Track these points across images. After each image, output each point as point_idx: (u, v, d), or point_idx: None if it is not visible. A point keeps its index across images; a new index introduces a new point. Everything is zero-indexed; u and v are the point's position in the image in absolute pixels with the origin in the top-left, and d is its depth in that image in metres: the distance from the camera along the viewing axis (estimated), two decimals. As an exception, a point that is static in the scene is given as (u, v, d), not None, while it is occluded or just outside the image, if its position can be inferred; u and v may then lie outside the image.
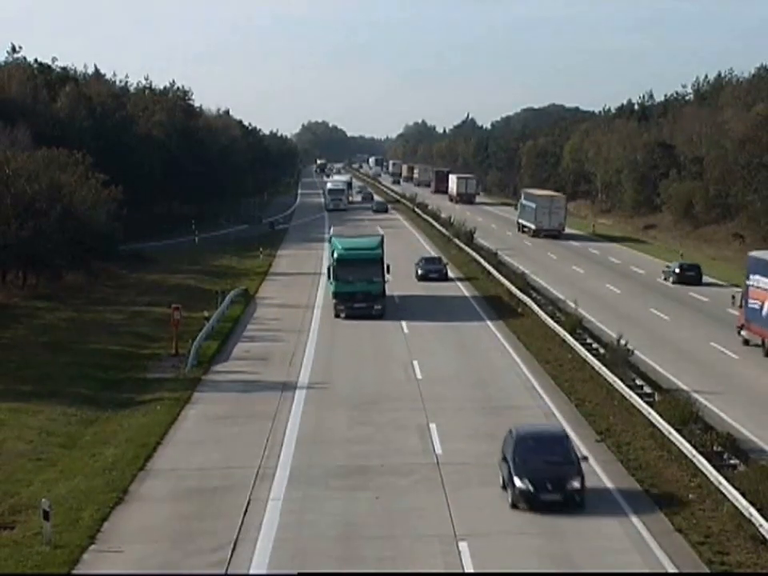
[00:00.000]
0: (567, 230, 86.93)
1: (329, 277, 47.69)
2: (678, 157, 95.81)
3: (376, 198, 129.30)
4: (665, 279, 60.69)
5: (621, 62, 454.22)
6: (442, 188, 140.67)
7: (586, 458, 23.91)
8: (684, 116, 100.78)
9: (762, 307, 39.38)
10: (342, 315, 46.66)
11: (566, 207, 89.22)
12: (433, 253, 69.49)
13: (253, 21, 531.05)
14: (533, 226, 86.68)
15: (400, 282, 55.03)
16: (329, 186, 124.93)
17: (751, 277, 41.01)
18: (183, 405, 32.33)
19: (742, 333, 41.71)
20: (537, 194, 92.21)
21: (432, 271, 59.41)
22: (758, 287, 40.11)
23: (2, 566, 19.93)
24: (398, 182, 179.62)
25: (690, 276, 59.07)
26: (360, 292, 46.50)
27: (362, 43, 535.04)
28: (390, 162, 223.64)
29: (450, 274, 60.70)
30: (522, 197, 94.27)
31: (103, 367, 37.50)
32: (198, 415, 31.34)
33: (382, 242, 49.56)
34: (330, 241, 50.73)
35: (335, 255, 47.44)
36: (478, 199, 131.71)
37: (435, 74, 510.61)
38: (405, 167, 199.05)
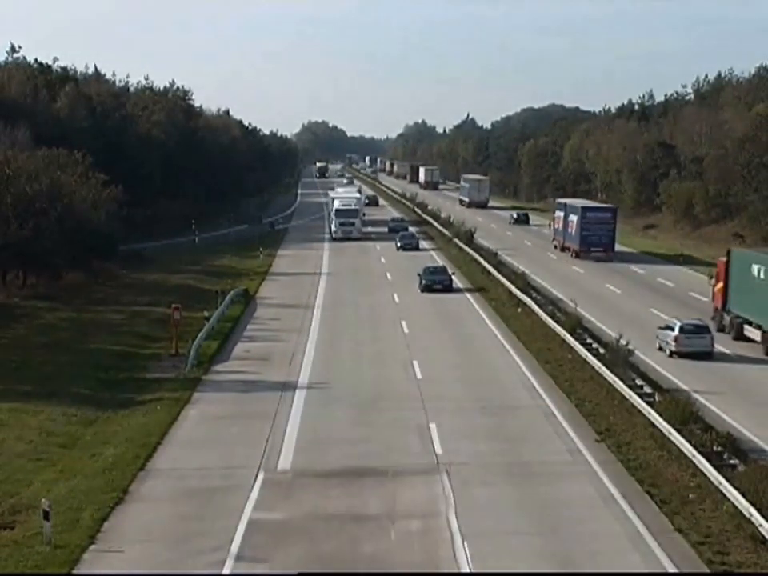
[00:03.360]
0: (494, 203, 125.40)
1: None
2: (678, 157, 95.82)
3: (437, 262, 66.39)
4: (509, 222, 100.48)
5: (621, 61, 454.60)
6: (415, 178, 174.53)
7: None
8: (684, 116, 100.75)
9: (556, 228, 78.40)
10: None
11: (490, 186, 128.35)
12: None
13: (253, 20, 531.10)
14: (467, 200, 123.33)
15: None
16: (336, 204, 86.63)
17: (555, 212, 79.37)
18: (183, 405, 32.34)
19: (553, 242, 78.58)
20: (470, 177, 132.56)
21: None
22: (555, 217, 79.21)
23: (2, 566, 19.94)
24: (375, 172, 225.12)
25: (522, 220, 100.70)
26: None
27: (362, 43, 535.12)
28: (378, 160, 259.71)
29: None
30: (461, 180, 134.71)
31: (103, 367, 37.51)
32: (198, 415, 31.34)
33: None
34: None
35: None
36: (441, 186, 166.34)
37: (435, 74, 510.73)
38: (388, 163, 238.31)
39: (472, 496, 23.71)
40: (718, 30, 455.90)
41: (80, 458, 27.02)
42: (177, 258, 71.67)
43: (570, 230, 73.37)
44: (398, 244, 76.01)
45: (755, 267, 40.75)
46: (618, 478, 24.89)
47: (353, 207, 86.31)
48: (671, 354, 38.74)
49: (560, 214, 76.91)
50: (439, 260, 68.97)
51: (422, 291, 55.57)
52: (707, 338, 38.79)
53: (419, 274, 57.59)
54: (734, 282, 42.88)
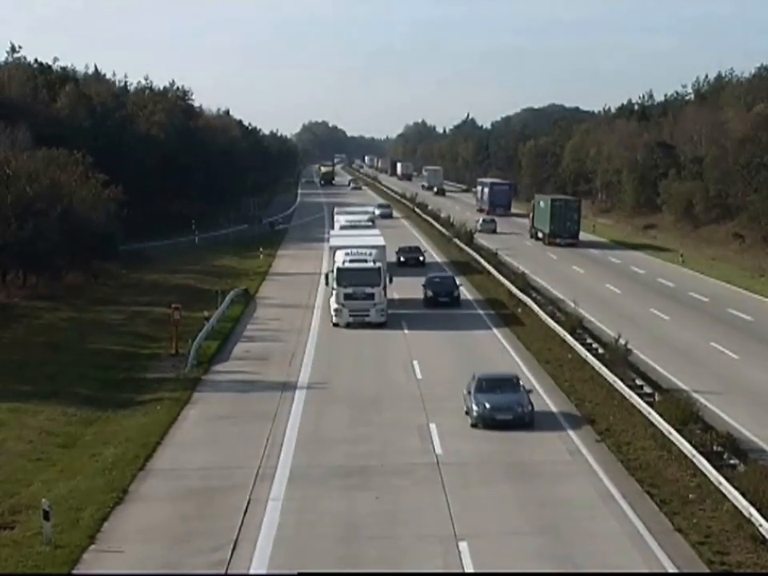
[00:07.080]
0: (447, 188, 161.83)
1: None
2: (678, 157, 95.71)
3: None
4: (433, 194, 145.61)
5: (621, 61, 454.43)
6: (394, 172, 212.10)
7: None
8: (684, 116, 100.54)
9: (478, 198, 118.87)
10: None
11: (443, 175, 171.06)
12: None
13: (253, 20, 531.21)
14: (427, 184, 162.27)
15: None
16: (339, 257, 47.21)
17: (478, 187, 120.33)
18: (183, 405, 32.33)
19: (476, 206, 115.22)
20: (429, 168, 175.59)
21: None
22: (477, 190, 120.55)
23: (2, 566, 19.93)
24: (362, 167, 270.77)
25: (440, 192, 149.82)
26: None
27: (362, 43, 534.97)
28: (368, 158, 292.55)
29: None
30: (423, 170, 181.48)
31: (103, 367, 37.50)
32: (198, 415, 31.33)
33: None
34: None
35: None
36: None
37: (435, 74, 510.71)
38: (375, 160, 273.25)
39: (472, 496, 23.73)
40: (719, 30, 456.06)
41: (80, 458, 27.02)
42: (177, 258, 71.65)
43: (484, 198, 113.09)
44: None
45: (540, 202, 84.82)
46: (618, 478, 24.87)
47: (369, 265, 46.33)
48: (479, 231, 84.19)
49: (479, 188, 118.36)
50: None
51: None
52: (493, 225, 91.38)
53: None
54: (535, 211, 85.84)
